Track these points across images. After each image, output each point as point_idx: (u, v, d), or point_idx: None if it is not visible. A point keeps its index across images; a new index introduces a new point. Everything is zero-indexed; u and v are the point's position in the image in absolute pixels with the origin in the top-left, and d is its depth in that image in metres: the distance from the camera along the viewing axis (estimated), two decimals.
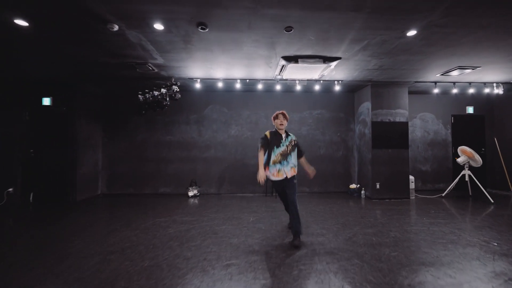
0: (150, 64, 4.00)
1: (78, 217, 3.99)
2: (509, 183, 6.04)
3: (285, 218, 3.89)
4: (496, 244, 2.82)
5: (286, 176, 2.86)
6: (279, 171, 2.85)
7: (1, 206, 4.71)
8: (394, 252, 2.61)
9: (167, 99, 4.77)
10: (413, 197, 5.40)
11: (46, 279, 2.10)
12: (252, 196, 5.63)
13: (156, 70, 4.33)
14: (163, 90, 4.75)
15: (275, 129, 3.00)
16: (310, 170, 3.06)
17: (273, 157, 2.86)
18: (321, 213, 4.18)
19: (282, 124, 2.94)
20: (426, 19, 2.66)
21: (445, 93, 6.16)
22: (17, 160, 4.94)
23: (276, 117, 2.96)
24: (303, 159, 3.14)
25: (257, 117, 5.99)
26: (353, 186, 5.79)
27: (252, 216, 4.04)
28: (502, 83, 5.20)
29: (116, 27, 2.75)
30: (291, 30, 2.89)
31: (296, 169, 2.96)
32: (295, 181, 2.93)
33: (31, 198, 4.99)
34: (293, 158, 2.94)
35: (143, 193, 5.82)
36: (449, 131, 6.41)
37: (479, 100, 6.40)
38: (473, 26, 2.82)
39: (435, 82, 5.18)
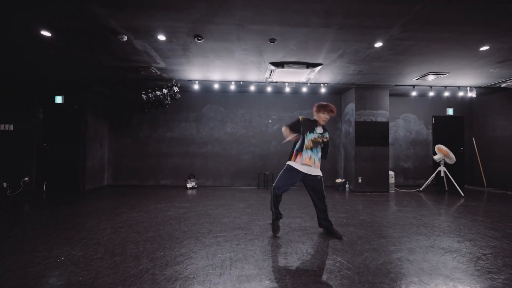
0: (153, 68, 4.51)
1: (87, 203, 4.50)
2: (484, 180, 6.52)
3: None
4: (446, 225, 3.31)
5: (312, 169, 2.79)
6: (310, 157, 2.75)
7: (18, 193, 5.23)
8: (358, 230, 3.10)
9: (168, 98, 5.29)
10: (393, 191, 5.89)
11: (71, 243, 2.60)
12: (245, 189, 6.13)
13: (158, 73, 4.84)
14: (165, 91, 5.26)
15: (313, 118, 2.87)
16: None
17: (306, 142, 2.74)
18: (305, 202, 4.68)
19: (327, 120, 2.83)
20: (387, 33, 3.15)
21: (425, 95, 6.64)
22: (32, 153, 5.46)
23: (321, 110, 2.79)
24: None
25: (251, 115, 6.48)
26: (338, 180, 6.28)
27: (243, 203, 4.54)
28: (475, 87, 5.68)
29: (125, 38, 3.25)
30: (275, 41, 3.39)
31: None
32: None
33: (44, 187, 5.51)
34: (319, 153, 2.84)
35: (145, 185, 6.33)
36: (430, 131, 6.89)
37: (458, 102, 6.88)
38: (430, 39, 3.31)
39: (413, 86, 5.66)
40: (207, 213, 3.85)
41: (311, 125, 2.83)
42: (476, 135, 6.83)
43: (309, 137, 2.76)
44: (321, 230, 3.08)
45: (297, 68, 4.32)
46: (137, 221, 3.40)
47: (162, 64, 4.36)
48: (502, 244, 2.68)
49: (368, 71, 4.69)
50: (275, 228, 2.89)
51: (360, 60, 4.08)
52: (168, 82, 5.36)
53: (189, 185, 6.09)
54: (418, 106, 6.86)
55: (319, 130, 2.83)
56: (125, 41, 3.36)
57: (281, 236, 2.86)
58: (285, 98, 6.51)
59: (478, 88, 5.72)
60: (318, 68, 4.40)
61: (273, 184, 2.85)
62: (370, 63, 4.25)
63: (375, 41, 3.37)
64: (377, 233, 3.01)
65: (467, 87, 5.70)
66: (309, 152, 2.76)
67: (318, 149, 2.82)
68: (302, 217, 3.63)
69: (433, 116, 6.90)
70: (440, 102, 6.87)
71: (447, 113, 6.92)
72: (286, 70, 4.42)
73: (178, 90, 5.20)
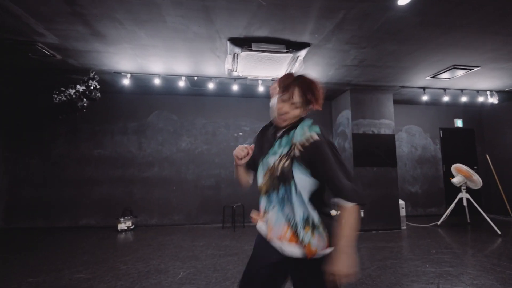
0: (41, 45, 2.78)
1: None
2: (508, 208, 5.24)
3: (233, 270, 2.64)
4: None
5: (280, 247, 1.00)
6: (264, 214, 1.07)
7: None
8: None
9: (84, 99, 3.54)
10: (405, 227, 4.38)
11: None
12: (205, 229, 4.32)
13: (59, 57, 3.11)
14: (79, 87, 3.52)
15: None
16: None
17: (259, 180, 1.09)
18: None
19: (286, 113, 1.02)
20: None
21: (431, 103, 5.44)
22: None
23: (273, 93, 1.09)
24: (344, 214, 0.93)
25: (214, 126, 4.84)
26: (333, 213, 4.67)
27: (186, 266, 2.74)
28: (497, 91, 4.53)
29: None
30: None
31: (315, 236, 0.96)
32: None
33: None
34: (296, 199, 0.97)
35: (57, 227, 4.31)
36: (438, 146, 5.64)
37: (467, 112, 5.76)
38: None
39: (424, 88, 4.39)
40: None
41: (266, 137, 1.12)
42: (490, 151, 5.67)
43: (262, 168, 1.07)
44: None
45: (272, 49, 2.81)
46: None
47: (51, 38, 2.65)
48: None
49: (373, 61, 3.29)
50: None
51: (367, 37, 2.66)
52: (85, 75, 3.62)
53: (121, 226, 4.17)
54: (422, 116, 5.63)
55: (284, 141, 1.03)
56: None
57: None
58: (260, 104, 4.97)
59: (500, 92, 4.58)
60: (304, 52, 2.93)
61: None
62: (380, 45, 2.84)
63: None
64: None
65: (487, 91, 4.53)
66: (265, 201, 1.06)
67: (283, 190, 1.00)
68: None
69: (440, 129, 5.69)
70: (446, 111, 5.71)
71: (456, 125, 5.74)
72: (255, 53, 2.89)
73: (98, 86, 3.48)
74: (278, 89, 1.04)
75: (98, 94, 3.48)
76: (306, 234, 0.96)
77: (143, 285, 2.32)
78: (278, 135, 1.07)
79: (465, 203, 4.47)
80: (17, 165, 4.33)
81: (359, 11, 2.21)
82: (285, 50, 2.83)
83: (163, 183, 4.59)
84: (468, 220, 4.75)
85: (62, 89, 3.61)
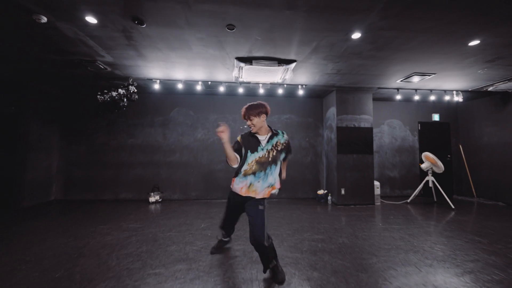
0: (100, 63, 3.84)
1: (15, 224, 3.67)
2: (473, 190, 6.14)
3: (238, 224, 3.71)
4: (439, 249, 2.76)
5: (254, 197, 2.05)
6: (250, 186, 2.03)
7: None
8: (334, 260, 2.49)
9: (125, 100, 4.60)
10: (379, 203, 5.36)
11: None
12: (216, 203, 5.43)
13: (109, 69, 4.16)
14: (121, 91, 4.57)
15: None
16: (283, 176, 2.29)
17: (245, 166, 2.05)
18: (279, 219, 4.04)
19: (252, 124, 2.08)
20: (366, 20, 2.66)
21: (410, 100, 6.27)
22: None
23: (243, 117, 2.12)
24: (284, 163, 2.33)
25: (224, 121, 5.86)
26: (320, 192, 5.71)
27: (206, 222, 3.85)
28: (461, 91, 5.34)
29: (44, 19, 2.59)
30: (234, 29, 2.83)
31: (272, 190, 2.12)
32: (262, 206, 2.04)
33: None
34: (274, 172, 2.09)
35: (102, 199, 5.51)
36: (416, 137, 6.50)
37: (444, 107, 6.56)
38: (415, 30, 2.85)
39: (398, 89, 5.25)
40: (154, 237, 3.13)
41: (253, 141, 2.10)
42: (463, 142, 6.50)
43: (252, 158, 2.05)
44: (286, 261, 2.44)
45: (268, 64, 3.77)
46: (55, 252, 2.64)
47: (108, 58, 3.70)
48: (510, 277, 2.13)
49: (348, 71, 4.21)
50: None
51: (338, 56, 3.58)
52: (124, 80, 4.68)
53: (152, 199, 5.33)
54: (403, 111, 6.48)
55: (264, 143, 2.10)
56: (47, 24, 2.70)
57: (235, 272, 2.19)
58: (263, 101, 5.93)
59: (464, 92, 5.39)
60: (293, 65, 3.87)
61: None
62: (349, 61, 3.76)
63: (352, 31, 2.87)
64: (357, 263, 2.41)
65: (453, 90, 5.35)
66: (251, 178, 2.04)
67: (270, 168, 2.06)
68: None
69: (419, 122, 6.53)
70: (425, 107, 6.53)
71: (433, 119, 6.57)
72: (255, 67, 3.86)
73: (135, 90, 4.53)
74: (244, 118, 2.11)
75: (136, 97, 4.54)
76: (276, 183, 2.09)
77: (178, 230, 3.43)
78: (263, 139, 2.11)
79: (430, 185, 5.40)
80: (70, 151, 5.51)
81: (326, 42, 3.13)
82: (278, 65, 3.79)
83: (183, 166, 5.70)
84: (435, 199, 5.68)
85: (105, 91, 4.69)
